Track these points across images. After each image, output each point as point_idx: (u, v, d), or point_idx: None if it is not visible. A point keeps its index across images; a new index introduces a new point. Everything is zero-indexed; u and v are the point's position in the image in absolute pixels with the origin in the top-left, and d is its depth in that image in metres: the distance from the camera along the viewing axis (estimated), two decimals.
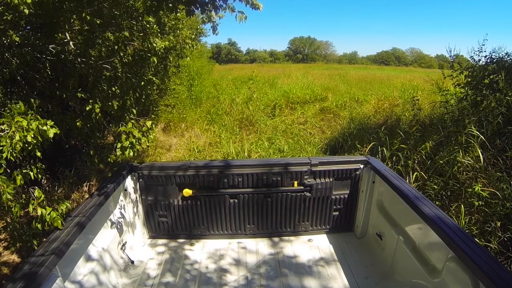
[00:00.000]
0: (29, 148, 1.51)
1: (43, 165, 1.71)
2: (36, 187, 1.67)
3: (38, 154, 1.56)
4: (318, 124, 6.98)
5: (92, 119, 2.17)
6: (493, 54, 4.29)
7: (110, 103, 2.22)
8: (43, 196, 1.64)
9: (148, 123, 2.10)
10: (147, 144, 2.09)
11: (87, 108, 2.14)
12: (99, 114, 2.16)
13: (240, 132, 6.22)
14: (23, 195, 1.70)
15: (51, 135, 1.57)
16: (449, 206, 3.01)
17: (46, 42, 2.38)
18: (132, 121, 2.10)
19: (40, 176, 1.68)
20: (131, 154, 1.97)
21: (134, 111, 2.45)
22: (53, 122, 1.60)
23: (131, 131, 1.99)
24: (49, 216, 1.56)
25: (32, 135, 1.48)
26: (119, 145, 1.98)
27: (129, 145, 1.96)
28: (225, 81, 12.74)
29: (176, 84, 7.52)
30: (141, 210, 2.49)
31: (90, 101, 2.17)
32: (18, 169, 1.62)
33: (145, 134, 2.07)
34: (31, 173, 1.63)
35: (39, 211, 1.57)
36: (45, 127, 1.55)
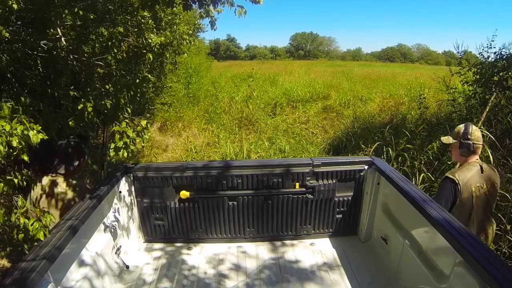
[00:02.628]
0: (14, 153, 1.48)
1: (29, 172, 1.69)
2: (20, 196, 1.65)
3: (25, 158, 1.53)
4: (321, 124, 6.99)
5: (84, 119, 2.16)
6: (503, 50, 4.30)
7: (103, 102, 2.21)
8: (26, 205, 1.62)
9: (143, 123, 2.09)
10: (142, 144, 2.09)
11: (79, 107, 2.13)
12: (92, 113, 2.15)
13: (240, 132, 6.23)
14: (6, 203, 1.67)
15: (37, 140, 1.52)
16: None
17: (38, 38, 2.38)
18: (126, 120, 2.09)
19: (24, 183, 1.65)
20: (125, 154, 1.96)
21: (129, 109, 2.44)
22: (40, 127, 1.57)
23: (124, 130, 1.98)
24: (32, 226, 1.53)
25: (17, 140, 1.45)
26: (112, 145, 1.98)
27: (123, 146, 1.95)
28: (224, 78, 12.76)
29: (173, 82, 7.53)
30: (136, 213, 2.49)
31: (82, 99, 2.16)
32: (2, 176, 1.59)
33: (140, 134, 2.06)
34: (15, 180, 1.60)
35: (22, 221, 1.54)
36: (31, 132, 1.50)
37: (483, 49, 4.44)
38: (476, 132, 1.95)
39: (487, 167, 1.96)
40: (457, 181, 1.85)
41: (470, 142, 1.93)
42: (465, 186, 1.84)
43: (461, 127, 1.99)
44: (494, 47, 4.36)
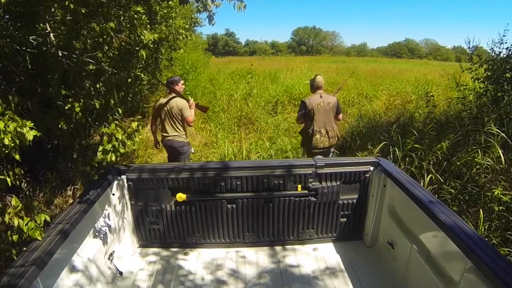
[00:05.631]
0: (6, 151, 1.49)
1: (22, 170, 1.69)
2: (14, 196, 1.66)
3: (17, 157, 1.54)
4: None
5: (72, 119, 2.16)
6: None
7: (92, 102, 2.21)
8: (20, 205, 1.62)
9: (134, 125, 2.07)
10: (133, 147, 2.08)
11: (66, 107, 2.13)
12: (80, 114, 2.15)
13: (239, 131, 6.23)
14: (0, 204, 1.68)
15: (30, 137, 1.55)
16: (466, 212, 3.01)
17: (26, 33, 2.38)
18: (116, 122, 2.08)
19: (17, 182, 1.66)
20: (113, 158, 1.96)
21: (120, 110, 2.44)
22: (32, 124, 1.58)
23: (113, 133, 1.97)
24: (26, 227, 1.54)
25: (10, 138, 1.46)
26: (100, 148, 1.98)
27: (112, 149, 1.95)
28: (222, 75, 12.75)
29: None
30: (130, 216, 2.49)
31: (70, 99, 2.17)
32: None
33: (131, 137, 2.05)
34: (8, 179, 1.60)
35: (16, 221, 1.55)
36: (23, 130, 1.52)
37: (494, 45, 4.45)
38: (317, 78, 3.76)
39: (325, 95, 3.76)
40: (306, 102, 3.67)
41: (314, 83, 3.75)
42: (310, 103, 3.63)
43: (313, 78, 3.84)
44: (506, 43, 4.36)
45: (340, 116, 3.92)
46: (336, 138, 3.88)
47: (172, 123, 3.55)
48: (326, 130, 3.68)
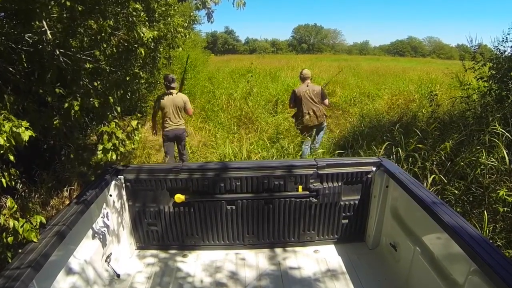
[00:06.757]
0: (1, 151, 1.48)
1: (17, 171, 1.69)
2: (9, 196, 1.65)
3: (11, 158, 1.53)
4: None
5: (70, 118, 2.16)
6: None
7: (91, 100, 2.21)
8: (16, 206, 1.62)
9: (134, 123, 2.08)
10: (132, 146, 2.08)
11: (65, 106, 2.13)
12: (78, 112, 2.15)
13: (239, 131, 6.22)
14: None
15: (26, 138, 1.54)
16: (471, 213, 3.01)
17: (22, 31, 2.38)
18: (115, 120, 2.08)
19: (13, 183, 1.66)
20: (114, 157, 1.96)
21: (119, 109, 2.44)
22: (28, 124, 1.58)
23: (113, 131, 1.97)
24: (22, 228, 1.53)
25: (5, 138, 1.46)
26: (100, 147, 1.98)
27: (112, 147, 1.95)
28: (222, 73, 12.76)
29: None
30: (127, 218, 2.49)
31: (68, 99, 2.16)
32: None
33: (130, 135, 2.05)
34: (3, 180, 1.60)
35: (11, 222, 1.54)
36: (19, 129, 1.51)
37: (498, 43, 4.44)
38: (304, 71, 4.90)
39: (311, 84, 4.79)
40: (296, 90, 4.77)
41: (301, 75, 4.90)
42: (299, 91, 4.71)
43: (301, 71, 4.99)
44: (511, 41, 4.35)
45: (326, 101, 4.92)
46: (324, 116, 4.93)
47: (177, 114, 4.37)
48: (313, 111, 4.72)
